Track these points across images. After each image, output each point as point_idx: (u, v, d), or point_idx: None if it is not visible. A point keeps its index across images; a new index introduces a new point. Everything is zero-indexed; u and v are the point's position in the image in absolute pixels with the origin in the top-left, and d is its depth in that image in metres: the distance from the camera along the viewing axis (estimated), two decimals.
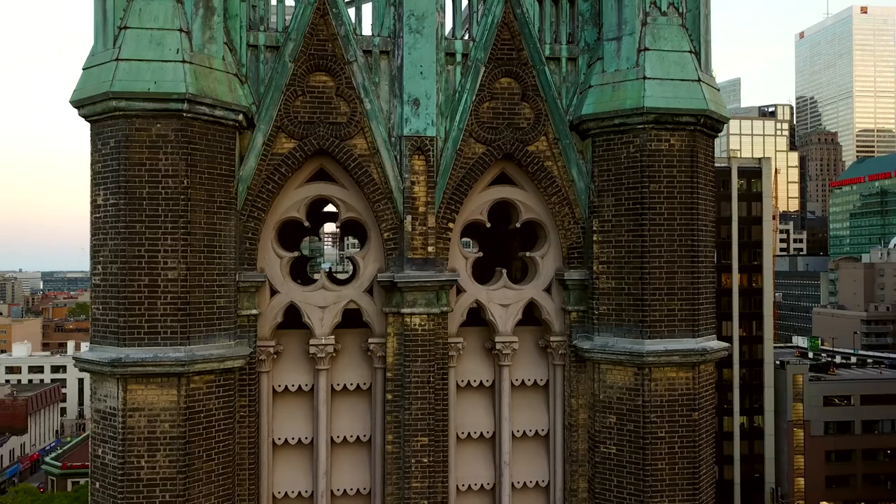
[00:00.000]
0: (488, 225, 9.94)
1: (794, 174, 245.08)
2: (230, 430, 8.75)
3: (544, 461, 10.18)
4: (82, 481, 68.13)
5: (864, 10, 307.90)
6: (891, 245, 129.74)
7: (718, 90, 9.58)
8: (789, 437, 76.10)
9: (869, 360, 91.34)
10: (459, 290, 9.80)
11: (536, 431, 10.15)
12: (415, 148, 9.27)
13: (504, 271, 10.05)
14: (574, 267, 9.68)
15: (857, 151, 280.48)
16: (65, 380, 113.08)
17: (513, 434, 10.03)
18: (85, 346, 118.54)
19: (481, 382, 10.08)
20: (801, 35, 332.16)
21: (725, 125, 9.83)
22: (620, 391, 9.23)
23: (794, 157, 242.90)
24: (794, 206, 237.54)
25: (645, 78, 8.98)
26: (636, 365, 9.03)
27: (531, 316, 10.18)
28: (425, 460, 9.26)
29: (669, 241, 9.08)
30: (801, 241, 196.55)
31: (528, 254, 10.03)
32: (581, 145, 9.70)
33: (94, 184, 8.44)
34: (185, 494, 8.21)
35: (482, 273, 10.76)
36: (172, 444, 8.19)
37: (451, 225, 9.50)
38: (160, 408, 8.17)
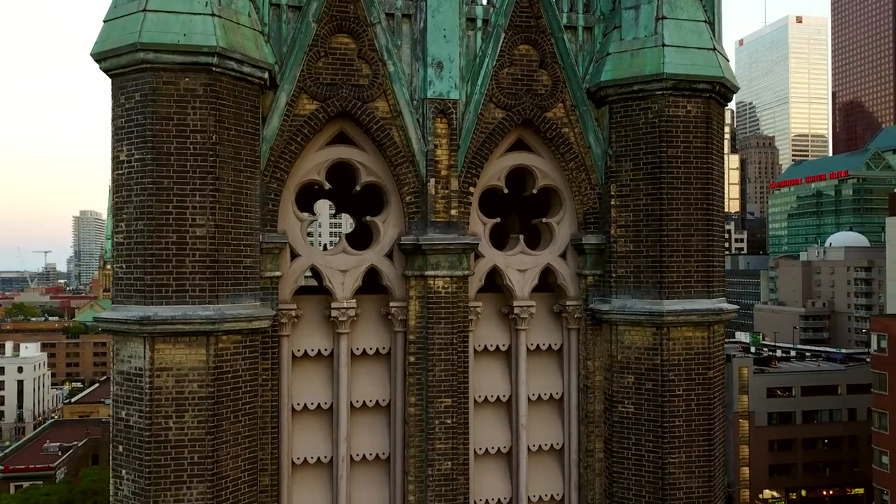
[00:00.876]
0: (506, 191, 10.05)
1: (735, 176, 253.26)
2: (255, 393, 8.63)
3: (558, 424, 10.34)
4: (25, 484, 65.60)
5: (798, 19, 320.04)
6: (826, 244, 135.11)
7: (728, 60, 9.90)
8: (735, 427, 78.51)
9: (807, 354, 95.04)
10: (478, 256, 9.87)
11: (551, 395, 10.31)
12: (438, 111, 9.31)
13: (521, 237, 10.17)
14: (591, 232, 9.88)
15: (793, 155, 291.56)
16: (3, 381, 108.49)
17: (528, 398, 10.16)
18: (27, 347, 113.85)
19: (498, 347, 10.18)
20: (741, 42, 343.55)
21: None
22: (639, 351, 9.45)
23: (734, 160, 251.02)
24: (735, 207, 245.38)
25: (664, 45, 9.23)
26: (655, 325, 9.26)
27: (544, 282, 10.33)
28: (448, 421, 9.30)
29: (686, 205, 9.35)
30: (741, 240, 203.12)
31: (543, 220, 10.17)
32: (596, 113, 9.90)
33: (117, 139, 8.22)
34: (214, 456, 8.07)
35: (494, 242, 10.85)
36: (201, 404, 8.04)
37: (471, 189, 9.57)
38: (188, 367, 8.01)
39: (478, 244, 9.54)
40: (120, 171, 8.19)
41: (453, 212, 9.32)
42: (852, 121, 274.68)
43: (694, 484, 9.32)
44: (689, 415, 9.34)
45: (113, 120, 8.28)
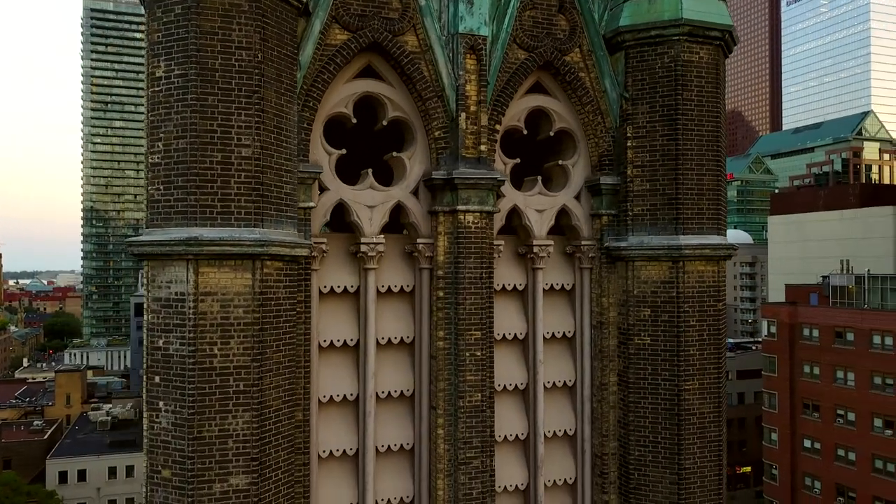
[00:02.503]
0: (525, 132, 10.26)
1: None
2: (293, 323, 8.43)
3: (570, 362, 10.66)
4: None
5: None
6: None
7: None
8: None
9: None
10: (499, 195, 10.03)
11: (564, 334, 10.61)
12: (468, 46, 9.39)
13: (539, 178, 10.41)
14: (606, 173, 10.24)
15: None
16: None
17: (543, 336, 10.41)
18: None
19: (515, 287, 10.38)
20: None
21: None
22: (655, 285, 9.90)
23: None
24: None
25: None
26: (672, 259, 9.73)
27: (556, 225, 10.61)
28: (478, 354, 9.41)
29: (699, 146, 9.88)
30: None
31: (559, 162, 10.46)
32: (611, 58, 10.28)
33: (153, 55, 7.81)
34: (259, 384, 7.83)
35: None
36: (247, 330, 7.77)
37: (497, 127, 9.72)
38: (234, 292, 7.72)
39: (505, 180, 9.70)
40: (157, 88, 7.79)
41: (482, 147, 9.44)
42: (733, 128, 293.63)
43: (706, 409, 9.86)
44: (702, 344, 9.87)
45: (148, 35, 7.87)
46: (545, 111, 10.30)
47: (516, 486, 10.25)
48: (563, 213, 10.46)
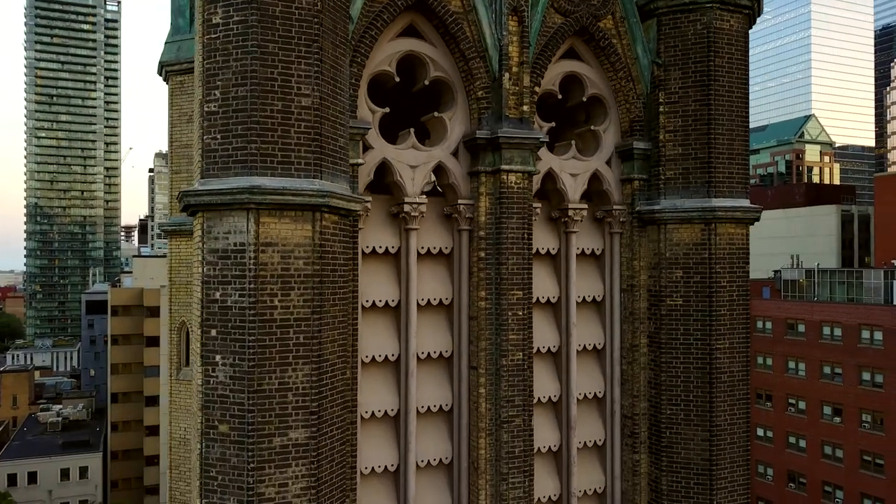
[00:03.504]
0: (559, 97, 10.37)
1: None
2: (347, 278, 8.35)
3: (598, 326, 10.81)
4: None
5: None
6: None
7: None
8: None
9: None
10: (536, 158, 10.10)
11: (594, 298, 10.76)
12: (511, 8, 9.44)
13: (573, 142, 10.53)
14: (637, 139, 10.42)
15: None
16: None
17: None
18: None
19: (548, 251, 10.47)
20: None
21: None
22: (687, 247, 10.12)
23: None
24: None
25: None
26: (705, 220, 9.97)
27: (585, 191, 10.75)
28: (520, 313, 9.47)
29: (729, 112, 10.14)
30: None
31: (592, 127, 10.60)
32: (643, 25, 10.46)
33: (209, 2, 7.63)
34: (319, 337, 7.72)
35: None
36: (307, 282, 7.66)
37: (536, 89, 9.80)
38: (294, 244, 7.60)
39: (546, 142, 9.78)
40: (213, 35, 7.61)
41: (525, 108, 9.50)
42: None
43: (735, 368, 10.13)
44: (732, 304, 10.14)
45: None
46: (578, 76, 10.43)
47: (549, 447, 10.34)
48: (594, 179, 10.61)
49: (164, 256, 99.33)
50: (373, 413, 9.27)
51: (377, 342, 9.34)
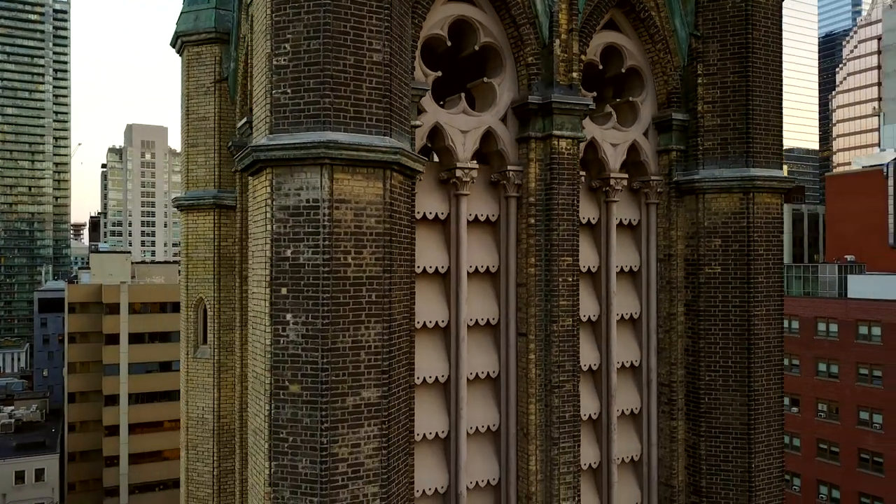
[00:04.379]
0: (601, 67, 10.45)
1: None
2: (410, 240, 8.27)
3: (635, 295, 10.94)
4: None
5: None
6: None
7: None
8: None
9: None
10: None
11: (630, 268, 10.87)
12: None
13: (613, 113, 10.62)
14: (675, 110, 10.58)
15: None
16: None
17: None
18: None
19: (589, 220, 10.54)
20: None
21: None
22: (726, 216, 10.32)
23: None
24: None
25: None
26: (744, 190, 10.17)
27: (623, 162, 10.86)
28: (570, 279, 9.51)
29: (765, 84, 10.37)
30: None
31: (630, 98, 10.71)
32: None
33: None
34: (389, 296, 7.62)
35: None
36: (378, 240, 7.55)
37: (583, 57, 9.86)
38: (366, 201, 7.49)
39: (594, 108, 9.85)
40: None
41: (574, 74, 9.55)
42: None
43: (771, 334, 10.36)
44: (768, 272, 10.37)
45: None
46: (617, 48, 10.53)
47: (589, 415, 10.41)
48: (631, 149, 10.72)
49: (123, 252, 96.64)
50: (424, 379, 9.20)
51: (427, 308, 9.27)
